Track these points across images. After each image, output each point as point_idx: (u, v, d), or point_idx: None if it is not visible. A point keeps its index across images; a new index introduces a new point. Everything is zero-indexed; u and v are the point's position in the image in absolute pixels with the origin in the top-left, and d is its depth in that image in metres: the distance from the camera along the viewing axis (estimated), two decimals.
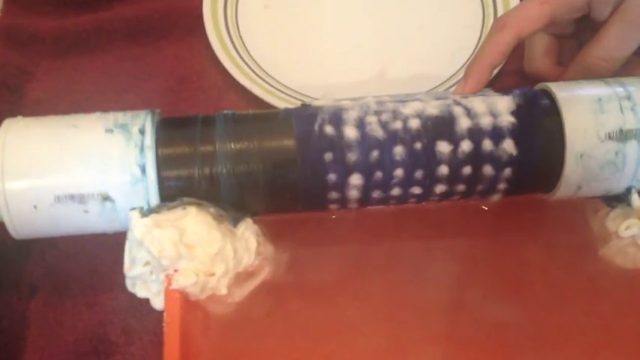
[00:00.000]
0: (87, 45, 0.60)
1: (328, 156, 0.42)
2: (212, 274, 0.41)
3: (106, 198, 0.41)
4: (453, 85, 0.55)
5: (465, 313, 0.44)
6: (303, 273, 0.45)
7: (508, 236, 0.47)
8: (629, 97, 0.43)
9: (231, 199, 0.42)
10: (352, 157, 0.42)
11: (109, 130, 0.42)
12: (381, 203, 0.44)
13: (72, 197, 0.40)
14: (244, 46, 0.60)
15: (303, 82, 0.57)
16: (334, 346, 0.42)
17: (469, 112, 0.43)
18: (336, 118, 0.42)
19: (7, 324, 0.47)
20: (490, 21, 0.60)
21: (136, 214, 0.41)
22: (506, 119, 0.43)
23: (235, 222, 0.43)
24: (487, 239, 0.47)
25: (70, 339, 0.46)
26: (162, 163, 0.41)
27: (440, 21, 0.62)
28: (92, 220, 0.41)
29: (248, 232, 0.43)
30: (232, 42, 0.59)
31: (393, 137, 0.42)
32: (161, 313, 0.41)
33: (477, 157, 0.42)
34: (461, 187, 0.43)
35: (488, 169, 0.42)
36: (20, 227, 0.41)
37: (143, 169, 0.41)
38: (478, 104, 0.43)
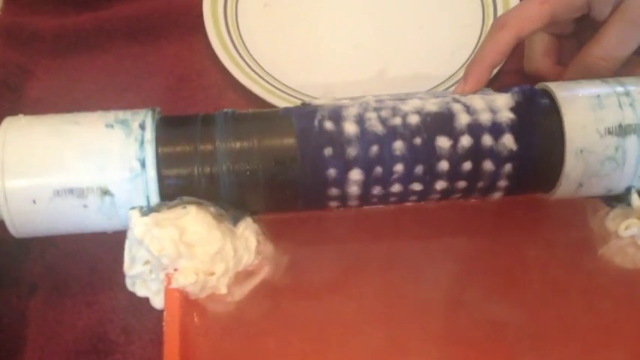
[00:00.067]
0: (87, 44, 0.60)
1: (328, 151, 0.42)
2: (212, 274, 0.41)
3: (105, 192, 0.41)
4: (453, 84, 0.56)
5: (464, 312, 0.44)
6: (303, 272, 0.45)
7: (508, 236, 0.47)
8: (627, 94, 0.43)
9: (231, 198, 0.42)
10: (352, 152, 0.42)
11: (109, 126, 0.42)
12: (381, 201, 0.44)
13: (71, 191, 0.40)
14: (244, 45, 0.60)
15: (302, 82, 0.57)
16: (334, 344, 0.42)
17: (468, 109, 0.43)
18: (336, 114, 0.43)
19: (7, 323, 0.47)
20: (490, 20, 0.60)
21: (135, 213, 0.41)
22: (506, 115, 0.43)
23: (235, 221, 0.43)
24: (487, 239, 0.47)
25: (69, 338, 0.46)
26: (162, 162, 0.41)
27: (440, 20, 0.62)
28: (91, 215, 0.41)
29: (248, 231, 0.43)
30: (232, 41, 0.59)
31: (392, 132, 0.42)
32: (161, 312, 0.41)
33: (476, 153, 0.42)
34: (461, 184, 0.43)
35: (488, 165, 0.42)
36: (20, 224, 0.41)
37: (143, 164, 0.41)
38: (477, 101, 0.43)
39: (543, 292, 0.45)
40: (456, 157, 0.42)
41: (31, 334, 0.46)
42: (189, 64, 0.60)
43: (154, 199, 0.41)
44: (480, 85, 0.46)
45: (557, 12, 0.46)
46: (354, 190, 0.43)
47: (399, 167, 0.42)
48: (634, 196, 0.43)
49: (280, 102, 0.54)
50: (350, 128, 0.42)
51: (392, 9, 0.62)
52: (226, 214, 0.42)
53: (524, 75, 0.55)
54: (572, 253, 0.46)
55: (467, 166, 0.42)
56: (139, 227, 0.40)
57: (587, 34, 0.49)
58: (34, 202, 0.40)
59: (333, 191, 0.43)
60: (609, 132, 0.42)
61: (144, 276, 0.42)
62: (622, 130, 0.42)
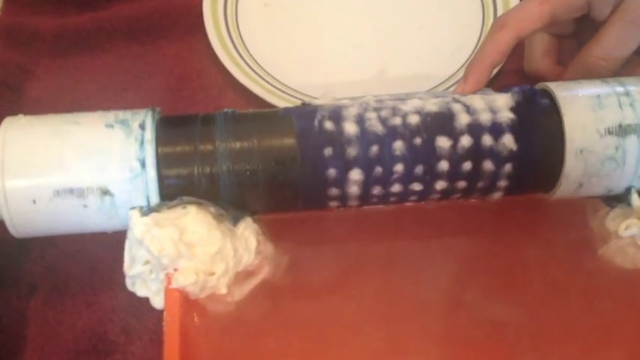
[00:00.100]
0: (87, 44, 0.60)
1: (328, 151, 0.42)
2: (212, 274, 0.41)
3: (105, 192, 0.41)
4: (453, 84, 0.56)
5: (464, 312, 0.44)
6: (303, 272, 0.45)
7: (508, 236, 0.47)
8: (627, 94, 0.43)
9: (231, 198, 0.42)
10: (352, 152, 0.42)
11: (110, 126, 0.42)
12: (381, 201, 0.44)
13: (71, 191, 0.40)
14: (244, 45, 0.60)
15: (302, 81, 0.57)
16: (334, 344, 0.42)
17: (468, 109, 0.43)
18: (336, 114, 0.43)
19: (7, 322, 0.47)
20: (490, 20, 0.60)
21: (135, 213, 0.41)
22: (506, 115, 0.43)
23: (235, 221, 0.43)
24: (487, 239, 0.47)
25: (69, 338, 0.46)
26: (162, 162, 0.41)
27: (440, 20, 0.62)
28: (91, 215, 0.41)
29: (248, 231, 0.43)
30: (232, 41, 0.59)
31: (392, 132, 0.42)
32: (161, 312, 0.41)
33: (476, 153, 0.42)
34: (461, 184, 0.43)
35: (488, 165, 0.42)
36: (20, 224, 0.41)
37: (143, 164, 0.41)
38: (477, 101, 0.43)
39: (543, 292, 0.45)
40: (456, 157, 0.42)
41: (31, 334, 0.46)
42: (189, 64, 0.60)
43: (154, 199, 0.41)
44: (480, 85, 0.46)
45: (557, 12, 0.46)
46: (354, 190, 0.43)
47: (399, 167, 0.42)
48: (634, 196, 0.43)
49: (280, 102, 0.54)
50: (350, 128, 0.42)
51: (392, 9, 0.62)
52: (226, 214, 0.42)
53: (524, 75, 0.55)
54: (572, 253, 0.46)
55: (467, 166, 0.42)
56: (139, 227, 0.40)
57: (587, 34, 0.49)
58: (34, 202, 0.40)
59: (333, 191, 0.43)
60: (609, 132, 0.42)
61: (144, 276, 0.42)
62: (622, 130, 0.42)
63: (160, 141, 0.42)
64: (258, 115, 0.44)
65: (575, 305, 0.44)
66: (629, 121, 0.42)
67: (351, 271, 0.46)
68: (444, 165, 0.42)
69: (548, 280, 0.46)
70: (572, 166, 0.43)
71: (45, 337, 0.46)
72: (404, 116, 0.43)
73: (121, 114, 0.43)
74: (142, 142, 0.41)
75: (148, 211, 0.41)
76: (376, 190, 0.43)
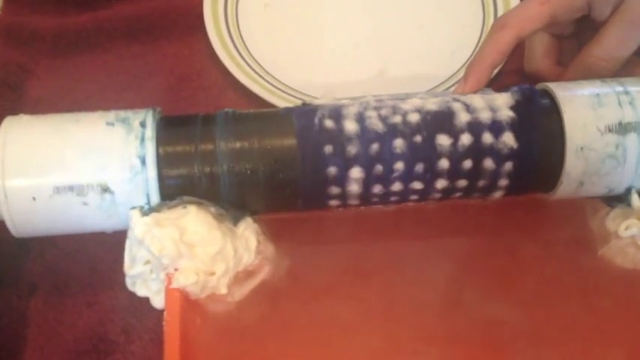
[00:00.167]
0: (87, 43, 0.60)
1: (328, 149, 0.42)
2: (212, 274, 0.41)
3: (105, 189, 0.41)
4: (453, 84, 0.56)
5: (464, 312, 0.44)
6: (304, 273, 0.45)
7: (508, 236, 0.47)
8: (627, 93, 0.43)
9: (231, 198, 0.42)
10: (352, 150, 0.42)
11: (110, 124, 0.42)
12: (382, 200, 0.44)
13: (71, 188, 0.40)
14: (244, 45, 0.60)
15: (303, 81, 0.57)
16: (334, 345, 0.42)
17: (468, 107, 0.43)
18: (336, 113, 0.43)
19: (7, 322, 0.47)
20: (490, 20, 0.60)
21: (136, 213, 0.41)
22: (506, 113, 0.43)
23: (235, 221, 0.43)
24: (487, 239, 0.47)
25: (70, 338, 0.46)
26: (162, 162, 0.41)
27: (440, 20, 0.62)
28: (91, 214, 0.41)
29: (248, 231, 0.43)
30: (232, 41, 0.59)
31: (392, 130, 0.42)
32: (161, 312, 0.41)
33: (477, 150, 0.42)
34: (462, 183, 0.43)
35: (488, 163, 0.43)
36: (20, 223, 0.41)
37: (143, 161, 0.41)
38: (477, 100, 0.44)
39: (544, 293, 0.45)
40: (456, 155, 0.42)
41: (32, 333, 0.46)
42: (189, 64, 0.60)
43: (155, 198, 0.41)
44: (480, 85, 0.46)
45: (557, 12, 0.46)
46: (354, 188, 0.43)
47: (399, 165, 0.42)
48: (634, 197, 0.44)
49: (280, 102, 0.54)
50: (350, 126, 0.42)
51: (392, 9, 0.63)
52: (227, 214, 0.43)
53: (524, 75, 0.55)
54: (573, 253, 0.46)
55: (467, 164, 0.42)
56: (139, 227, 0.40)
57: (587, 35, 0.49)
58: (34, 199, 0.40)
59: (334, 190, 0.43)
60: (609, 130, 0.42)
61: (144, 276, 0.42)
62: (622, 128, 0.42)
63: (160, 141, 0.42)
64: (258, 115, 0.44)
65: (575, 305, 0.44)
66: (629, 119, 0.43)
67: (351, 271, 0.46)
68: (444, 163, 0.42)
69: (548, 281, 0.46)
70: (573, 164, 0.43)
71: (45, 336, 0.46)
72: (404, 115, 0.43)
73: (122, 113, 0.43)
74: (142, 140, 0.41)
75: (148, 210, 0.41)
76: (377, 188, 0.43)
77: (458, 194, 0.44)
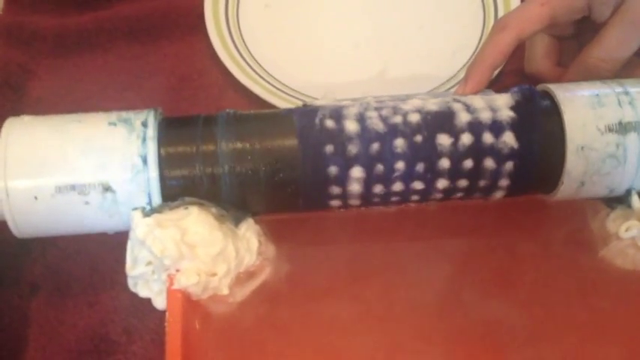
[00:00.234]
0: (88, 43, 0.60)
1: (329, 148, 0.42)
2: (214, 274, 0.41)
3: (107, 189, 0.41)
4: (454, 85, 0.56)
5: (464, 313, 0.44)
6: (305, 273, 0.45)
7: (507, 237, 0.47)
8: (626, 93, 0.43)
9: (232, 199, 0.42)
10: (353, 149, 0.42)
11: (112, 124, 0.42)
12: (383, 200, 0.44)
13: (73, 187, 0.40)
14: (245, 45, 0.60)
15: (303, 82, 0.58)
16: (335, 345, 0.42)
17: (468, 108, 0.43)
18: (337, 113, 0.43)
19: (9, 322, 0.47)
20: (491, 21, 0.60)
21: (138, 214, 0.41)
22: (506, 113, 0.43)
23: (237, 222, 0.43)
24: (487, 241, 0.47)
25: (71, 338, 0.46)
26: (164, 162, 0.41)
27: (440, 21, 0.62)
28: (92, 213, 0.41)
29: (249, 232, 0.43)
30: (233, 41, 0.59)
31: (393, 130, 0.42)
32: (162, 312, 0.41)
33: (477, 150, 0.42)
34: (463, 183, 0.43)
35: (489, 162, 0.43)
36: (21, 223, 0.41)
37: (145, 160, 0.41)
38: (477, 101, 0.44)
39: (544, 293, 0.45)
40: (456, 154, 0.42)
41: (33, 333, 0.47)
42: (190, 64, 0.60)
43: (156, 199, 0.41)
44: (481, 86, 0.46)
45: (557, 14, 0.47)
46: (355, 188, 0.43)
47: (400, 165, 0.42)
48: (634, 198, 0.44)
49: (281, 102, 0.54)
50: (351, 126, 0.42)
51: (392, 9, 0.63)
52: (228, 215, 0.43)
53: (524, 76, 0.55)
54: (573, 254, 0.46)
55: (468, 163, 0.43)
56: (141, 228, 0.40)
57: (587, 36, 0.49)
58: (36, 198, 0.40)
59: (335, 189, 0.43)
60: (609, 129, 0.42)
61: (146, 276, 0.42)
62: (622, 128, 0.43)
63: (161, 141, 0.42)
64: (259, 116, 0.44)
65: (575, 305, 0.45)
66: (629, 119, 0.43)
67: (351, 272, 0.46)
68: (445, 163, 0.42)
69: (548, 281, 0.46)
70: (574, 163, 0.43)
71: (47, 337, 0.46)
72: (404, 115, 0.43)
73: (124, 113, 0.43)
74: (144, 139, 0.41)
75: (150, 211, 0.41)
76: (378, 188, 0.43)
77: (459, 194, 0.44)
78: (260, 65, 0.58)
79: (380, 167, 0.42)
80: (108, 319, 0.47)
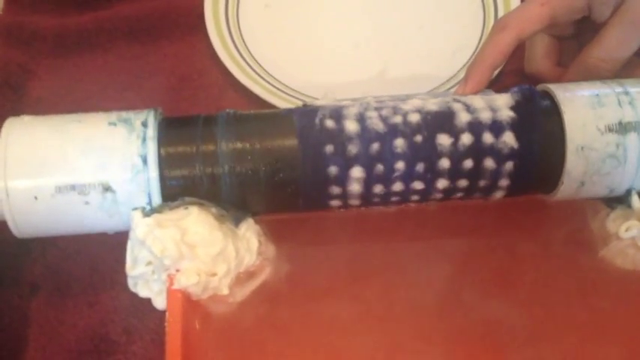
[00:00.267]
0: (88, 43, 0.60)
1: (329, 148, 0.42)
2: (214, 274, 0.41)
3: (107, 189, 0.41)
4: (454, 85, 0.56)
5: (464, 313, 0.44)
6: (304, 273, 0.45)
7: (507, 237, 0.47)
8: (626, 93, 0.44)
9: (232, 199, 0.42)
10: (353, 149, 0.42)
11: (112, 123, 0.42)
12: (383, 201, 0.44)
13: (73, 187, 0.40)
14: (245, 45, 0.60)
15: (303, 82, 0.58)
16: (335, 345, 0.43)
17: (468, 108, 0.43)
18: (337, 113, 0.43)
19: (9, 322, 0.47)
20: (491, 21, 0.60)
21: (138, 214, 0.41)
22: (506, 113, 0.43)
23: (237, 222, 0.43)
24: (487, 241, 0.47)
25: (71, 338, 0.46)
26: (164, 162, 0.41)
27: (440, 21, 0.62)
28: (92, 213, 0.41)
29: (249, 232, 0.43)
30: (233, 41, 0.59)
31: (393, 130, 0.42)
32: (162, 312, 0.41)
33: (477, 150, 0.42)
34: (463, 183, 0.43)
35: (489, 162, 0.43)
36: (21, 223, 0.41)
37: (144, 160, 0.41)
38: (477, 101, 0.44)
39: (544, 293, 0.45)
40: (456, 154, 0.42)
41: (33, 333, 0.47)
42: (190, 64, 0.60)
43: (156, 199, 0.41)
44: (481, 86, 0.46)
45: (557, 14, 0.47)
46: (355, 188, 0.43)
47: (400, 165, 0.42)
48: (634, 198, 0.44)
49: (281, 102, 0.54)
50: (351, 126, 0.42)
51: (392, 9, 0.63)
52: (228, 215, 0.43)
53: (524, 76, 0.55)
54: (573, 254, 0.46)
55: (468, 163, 0.43)
56: (141, 228, 0.40)
57: (587, 36, 0.49)
58: (36, 198, 0.40)
59: (335, 189, 0.43)
60: (609, 129, 0.42)
61: (146, 277, 0.42)
62: (622, 128, 0.43)
63: (161, 142, 0.42)
64: (259, 116, 0.44)
65: (575, 305, 0.45)
66: (629, 119, 0.43)
67: (351, 272, 0.46)
68: (445, 163, 0.42)
69: (548, 281, 0.46)
70: (574, 163, 0.43)
71: (47, 337, 0.46)
72: (404, 115, 0.43)
73: (124, 113, 0.43)
74: (144, 139, 0.41)
75: (149, 211, 0.41)
76: (378, 188, 0.43)
77: (459, 194, 0.44)
78: (260, 65, 0.58)
79: (380, 167, 0.42)
80: (108, 319, 0.47)
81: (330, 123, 0.42)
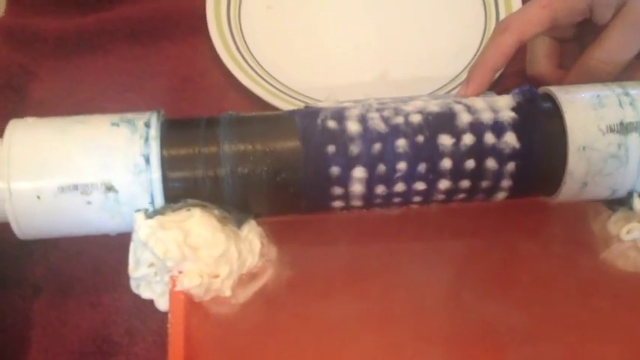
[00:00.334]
0: (89, 45, 0.61)
1: (331, 149, 0.42)
2: (216, 276, 0.42)
3: (109, 188, 0.41)
4: (456, 87, 0.56)
5: (464, 314, 0.44)
6: (306, 274, 0.45)
7: (508, 238, 0.47)
8: (627, 94, 0.44)
9: (234, 200, 0.42)
10: (355, 149, 0.42)
11: (115, 124, 0.42)
12: (385, 202, 0.44)
13: (75, 187, 0.40)
14: (247, 46, 0.60)
15: (305, 83, 0.58)
16: (338, 346, 0.42)
17: (470, 109, 0.43)
18: (339, 114, 0.43)
19: (11, 324, 0.47)
20: (492, 23, 0.60)
21: (140, 216, 0.41)
22: (507, 114, 0.43)
23: (239, 224, 0.43)
24: (488, 243, 0.47)
25: (73, 339, 0.46)
26: (166, 164, 0.41)
27: (442, 23, 0.62)
28: (95, 213, 0.41)
29: (252, 233, 0.43)
30: (235, 42, 0.59)
31: (395, 130, 0.42)
32: (164, 313, 0.41)
33: (479, 151, 0.42)
34: (465, 183, 0.43)
35: (491, 163, 0.43)
36: (24, 224, 0.41)
37: (147, 160, 0.41)
38: (478, 102, 0.44)
39: (544, 294, 0.45)
40: (458, 154, 0.42)
41: (35, 335, 0.47)
42: (191, 66, 0.60)
43: (159, 201, 0.41)
44: (483, 88, 0.46)
45: (559, 16, 0.47)
46: (357, 188, 0.43)
47: (402, 165, 0.42)
48: (636, 200, 0.44)
49: (282, 104, 0.55)
50: (352, 126, 0.42)
51: (394, 11, 0.63)
52: (230, 217, 0.43)
53: (526, 78, 0.56)
54: (574, 256, 0.46)
55: (470, 164, 0.43)
56: (143, 230, 0.40)
57: (588, 38, 0.50)
58: (39, 197, 0.40)
59: (337, 190, 0.43)
60: (611, 129, 0.43)
61: (148, 278, 0.42)
62: (624, 128, 0.43)
63: (164, 143, 0.42)
64: (261, 118, 0.44)
65: (575, 306, 0.45)
66: (631, 119, 0.43)
67: (353, 273, 0.46)
68: (446, 163, 0.42)
69: (549, 282, 0.46)
70: (576, 163, 0.43)
71: (49, 338, 0.46)
72: (406, 115, 0.43)
73: (127, 115, 0.43)
74: (146, 139, 0.41)
75: (152, 213, 0.41)
76: (380, 189, 0.43)
77: (461, 195, 0.44)
78: (262, 67, 0.59)
79: (382, 167, 0.42)
80: (110, 321, 0.47)
81: (332, 124, 0.42)
